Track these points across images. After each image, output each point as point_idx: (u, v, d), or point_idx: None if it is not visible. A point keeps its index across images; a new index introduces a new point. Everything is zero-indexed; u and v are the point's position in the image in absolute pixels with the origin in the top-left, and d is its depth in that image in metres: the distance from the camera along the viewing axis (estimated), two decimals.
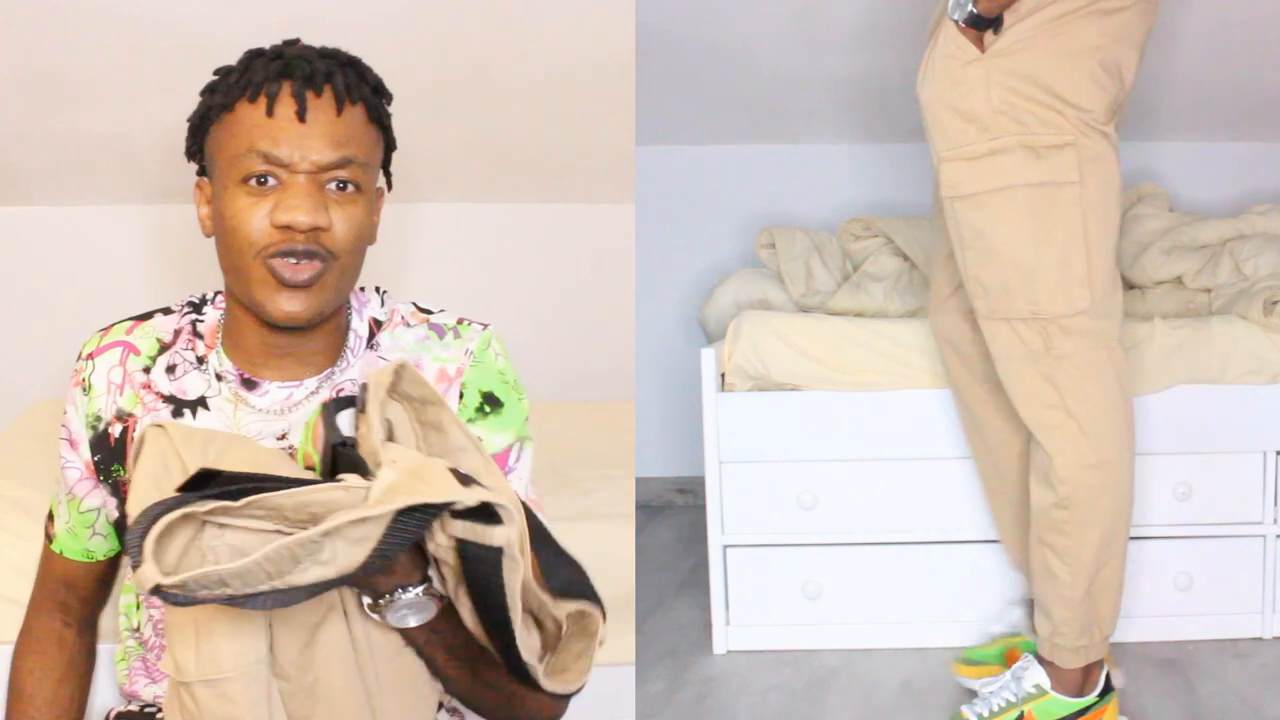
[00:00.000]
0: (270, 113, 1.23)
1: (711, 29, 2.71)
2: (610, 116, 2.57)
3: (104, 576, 1.49)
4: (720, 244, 3.16)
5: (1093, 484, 1.78)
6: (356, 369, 1.35)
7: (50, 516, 1.46)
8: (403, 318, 1.40)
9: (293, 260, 1.23)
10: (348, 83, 1.27)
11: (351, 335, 1.37)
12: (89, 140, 2.49)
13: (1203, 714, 1.96)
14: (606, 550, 1.93)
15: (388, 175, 1.40)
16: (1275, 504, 2.21)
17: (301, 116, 1.23)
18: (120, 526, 1.39)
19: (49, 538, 1.46)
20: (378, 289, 1.43)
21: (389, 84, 1.35)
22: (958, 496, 2.23)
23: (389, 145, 1.37)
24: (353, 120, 1.27)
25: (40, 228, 2.71)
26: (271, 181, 1.23)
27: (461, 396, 1.36)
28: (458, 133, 2.62)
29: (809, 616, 2.27)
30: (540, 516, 1.25)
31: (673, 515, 3.17)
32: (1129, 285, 2.59)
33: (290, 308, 1.25)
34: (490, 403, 1.37)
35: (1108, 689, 1.89)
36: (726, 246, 3.15)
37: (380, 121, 1.32)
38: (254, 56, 1.29)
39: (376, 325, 1.38)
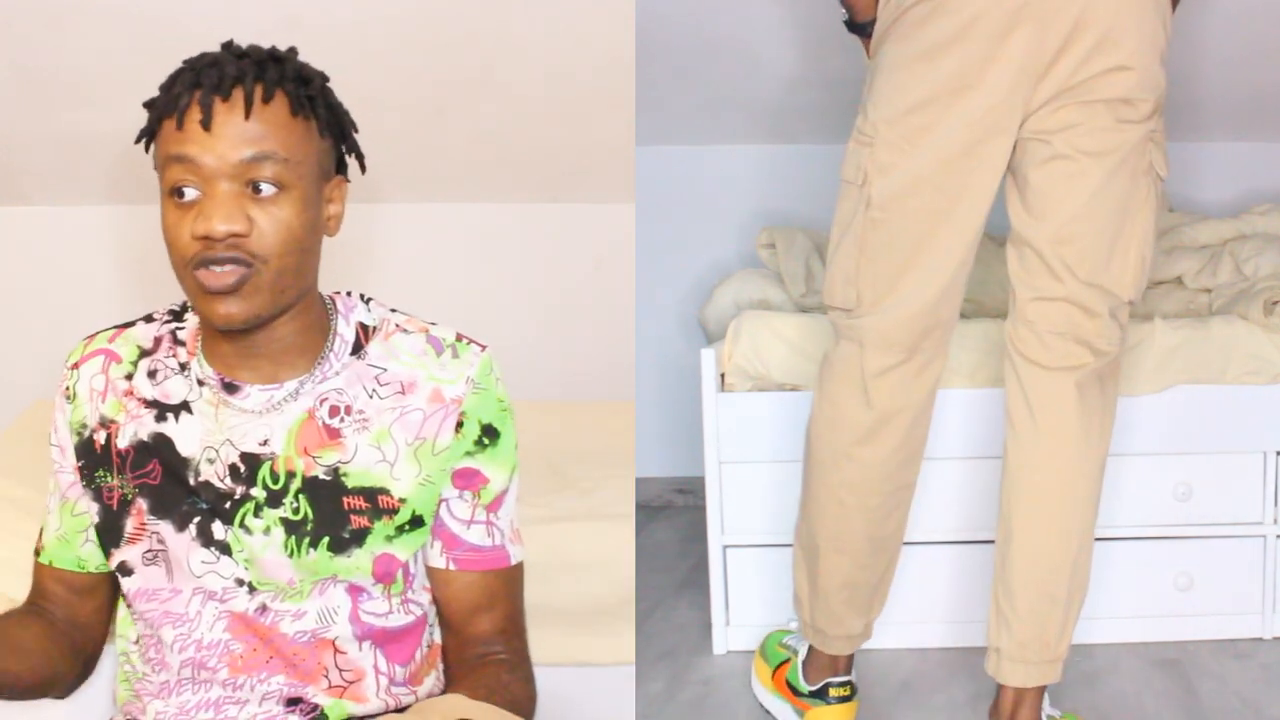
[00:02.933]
0: (180, 126, 1.23)
1: (711, 29, 2.70)
2: (610, 116, 2.57)
3: (96, 596, 1.41)
4: (720, 244, 3.16)
5: None
6: (343, 379, 1.34)
7: (40, 533, 1.42)
8: (398, 325, 1.37)
9: (214, 268, 1.23)
10: (262, 79, 1.24)
11: (336, 339, 1.35)
12: (89, 140, 2.49)
13: (1203, 714, 1.96)
14: (606, 550, 1.93)
15: (358, 158, 1.36)
16: (1275, 504, 2.21)
17: (206, 125, 1.22)
18: (101, 533, 1.36)
19: (37, 553, 1.41)
20: (362, 296, 1.40)
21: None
22: (958, 497, 2.23)
23: (342, 128, 1.33)
24: (269, 117, 1.24)
25: (39, 228, 2.71)
26: (192, 193, 1.23)
27: (460, 426, 1.34)
28: (458, 133, 2.62)
29: None
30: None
31: (672, 515, 3.17)
32: None
33: (225, 310, 1.24)
34: (489, 434, 1.36)
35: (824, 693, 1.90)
36: (726, 246, 3.15)
37: (311, 111, 1.28)
38: (180, 71, 1.27)
39: (364, 330, 1.36)
